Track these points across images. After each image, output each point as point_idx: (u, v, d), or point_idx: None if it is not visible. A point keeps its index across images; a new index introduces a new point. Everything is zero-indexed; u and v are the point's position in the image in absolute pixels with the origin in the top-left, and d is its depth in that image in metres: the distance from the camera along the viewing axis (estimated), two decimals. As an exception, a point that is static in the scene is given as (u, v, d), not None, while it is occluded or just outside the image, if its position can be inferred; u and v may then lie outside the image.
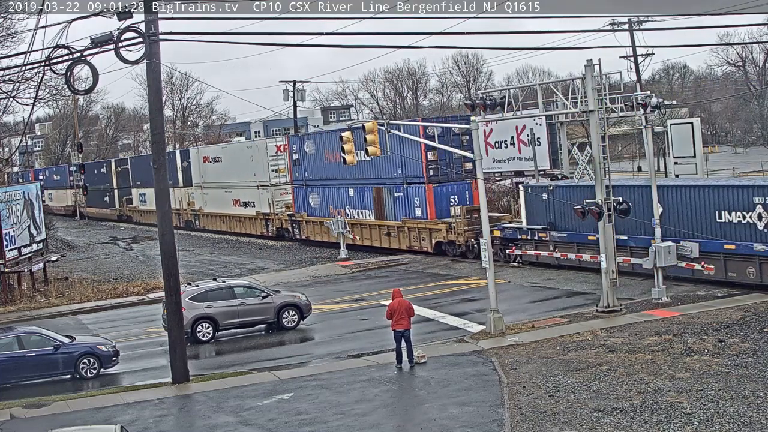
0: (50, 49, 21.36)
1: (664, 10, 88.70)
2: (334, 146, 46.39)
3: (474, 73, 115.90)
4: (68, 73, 21.65)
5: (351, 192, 47.21)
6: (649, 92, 31.18)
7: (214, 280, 31.22)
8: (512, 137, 45.78)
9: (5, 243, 36.61)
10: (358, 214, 46.41)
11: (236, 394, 20.93)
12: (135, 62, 21.47)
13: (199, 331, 27.74)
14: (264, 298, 28.57)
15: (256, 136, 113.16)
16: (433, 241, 41.51)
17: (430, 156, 40.97)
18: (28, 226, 39.80)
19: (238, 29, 57.36)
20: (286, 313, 28.64)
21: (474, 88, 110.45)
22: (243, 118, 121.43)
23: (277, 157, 54.41)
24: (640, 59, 57.36)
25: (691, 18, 73.07)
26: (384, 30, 42.72)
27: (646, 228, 30.04)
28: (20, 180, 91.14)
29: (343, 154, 29.39)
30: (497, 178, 45.11)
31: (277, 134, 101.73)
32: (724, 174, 54.03)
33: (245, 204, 58.22)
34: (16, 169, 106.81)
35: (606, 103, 27.17)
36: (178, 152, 70.27)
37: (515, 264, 37.10)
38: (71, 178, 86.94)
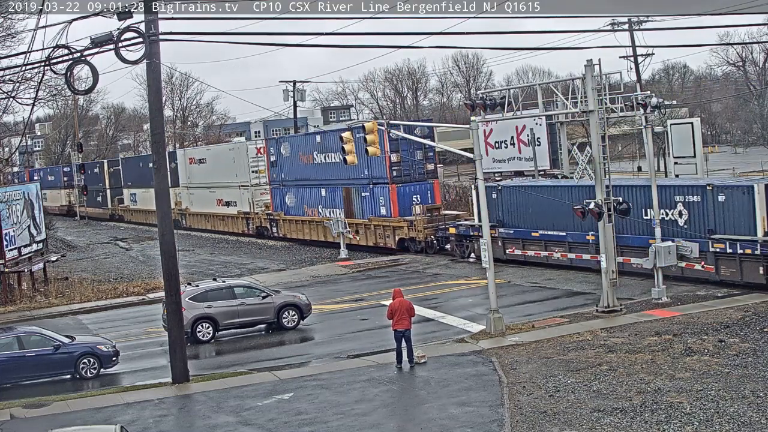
0: (50, 49, 21.38)
1: (664, 10, 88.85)
2: (308, 148, 50.12)
3: (474, 73, 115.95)
4: (68, 73, 21.65)
5: (323, 192, 49.08)
6: (649, 92, 31.14)
7: (214, 280, 31.22)
8: (512, 137, 45.82)
9: (5, 243, 36.62)
10: (330, 213, 47.91)
11: (236, 394, 20.93)
12: (135, 62, 21.50)
13: (199, 331, 27.75)
14: (264, 298, 28.57)
15: (256, 137, 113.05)
16: (396, 238, 43.45)
17: (394, 158, 43.07)
18: (28, 226, 39.80)
19: (238, 29, 57.52)
20: (286, 313, 28.66)
21: (474, 88, 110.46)
22: (243, 118, 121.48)
23: (257, 158, 56.46)
24: (640, 59, 57.39)
25: (691, 18, 73.16)
26: (384, 30, 43.04)
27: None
28: (16, 180, 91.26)
29: (343, 155, 29.54)
30: (497, 178, 45.18)
31: (277, 134, 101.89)
32: (725, 174, 53.94)
33: (228, 203, 60.08)
34: (16, 169, 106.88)
35: (606, 103, 27.14)
36: (166, 154, 70.47)
37: (470, 260, 38.71)
38: (65, 179, 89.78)
